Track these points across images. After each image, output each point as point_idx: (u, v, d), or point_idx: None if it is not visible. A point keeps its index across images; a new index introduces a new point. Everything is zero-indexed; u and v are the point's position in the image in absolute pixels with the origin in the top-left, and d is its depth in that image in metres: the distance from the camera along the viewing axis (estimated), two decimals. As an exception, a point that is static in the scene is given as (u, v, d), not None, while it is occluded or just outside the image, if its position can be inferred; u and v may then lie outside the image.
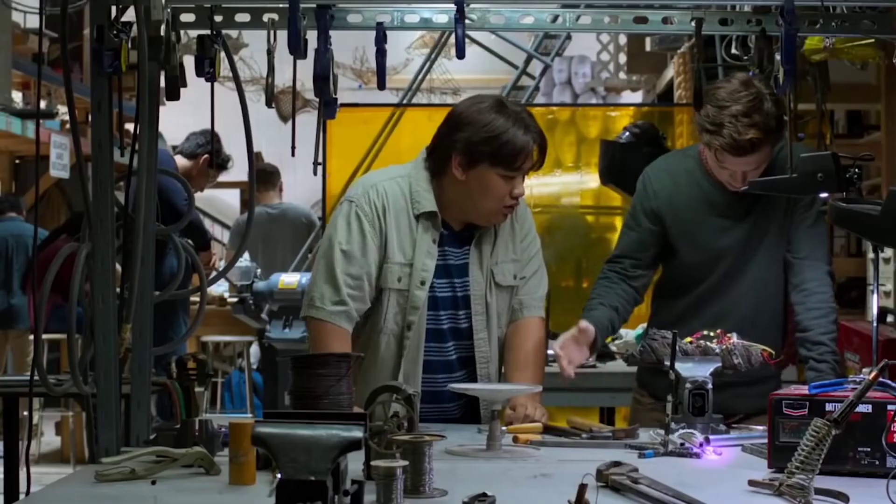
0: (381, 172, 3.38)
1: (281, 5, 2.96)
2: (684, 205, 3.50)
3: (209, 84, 3.01)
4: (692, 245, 3.50)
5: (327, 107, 3.11)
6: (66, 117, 8.10)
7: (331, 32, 2.99)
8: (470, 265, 3.27)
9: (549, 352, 4.96)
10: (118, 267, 2.82)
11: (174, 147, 6.98)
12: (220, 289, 8.54)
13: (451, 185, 3.22)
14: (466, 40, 2.96)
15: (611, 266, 3.56)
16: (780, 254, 3.48)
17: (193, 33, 3.03)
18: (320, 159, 3.35)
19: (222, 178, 9.40)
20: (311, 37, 2.99)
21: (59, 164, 8.18)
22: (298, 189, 12.75)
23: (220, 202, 14.08)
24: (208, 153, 6.55)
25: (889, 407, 2.48)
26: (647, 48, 9.34)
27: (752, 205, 3.45)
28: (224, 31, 3.01)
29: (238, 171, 8.82)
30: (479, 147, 3.15)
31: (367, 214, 3.20)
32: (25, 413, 6.13)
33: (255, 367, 9.29)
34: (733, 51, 4.37)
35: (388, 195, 3.22)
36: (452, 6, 2.91)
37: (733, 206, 3.45)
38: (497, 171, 3.16)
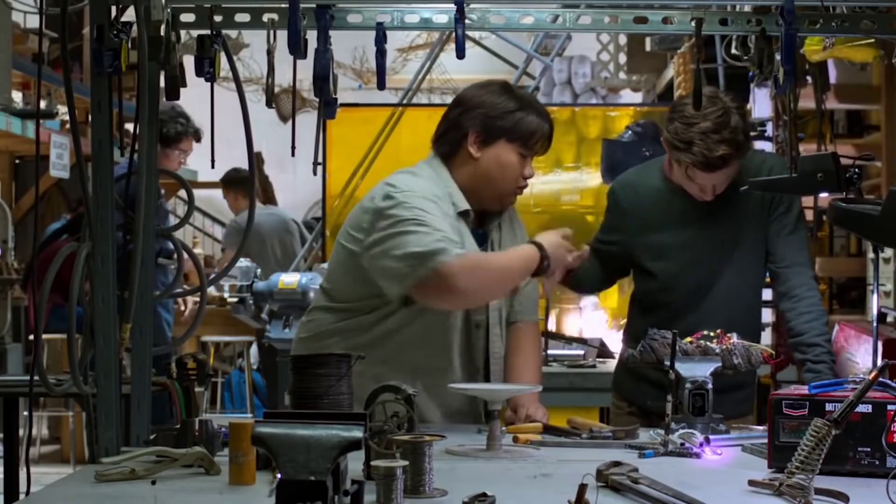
0: (410, 175, 3.22)
1: (281, 5, 2.96)
2: (650, 217, 3.53)
3: (209, 84, 3.01)
4: (660, 257, 3.53)
5: (327, 107, 3.11)
6: (66, 117, 8.09)
7: (331, 32, 2.99)
8: None
9: (549, 351, 4.98)
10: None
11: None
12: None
13: (465, 168, 3.21)
14: (466, 40, 2.96)
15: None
16: (754, 264, 3.49)
17: (194, 33, 3.03)
18: (320, 159, 3.34)
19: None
20: (311, 37, 2.99)
21: (59, 164, 8.16)
22: (298, 189, 12.75)
23: (220, 202, 14.07)
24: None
25: (889, 407, 2.48)
26: (647, 48, 9.34)
27: (719, 215, 3.46)
28: (224, 31, 3.01)
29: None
30: (497, 122, 3.17)
31: (437, 202, 3.11)
32: (26, 413, 6.13)
33: (255, 367, 9.29)
34: (733, 51, 4.37)
35: (436, 190, 3.15)
36: (452, 6, 2.91)
37: (700, 216, 3.47)
38: (513, 148, 3.18)
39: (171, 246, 5.81)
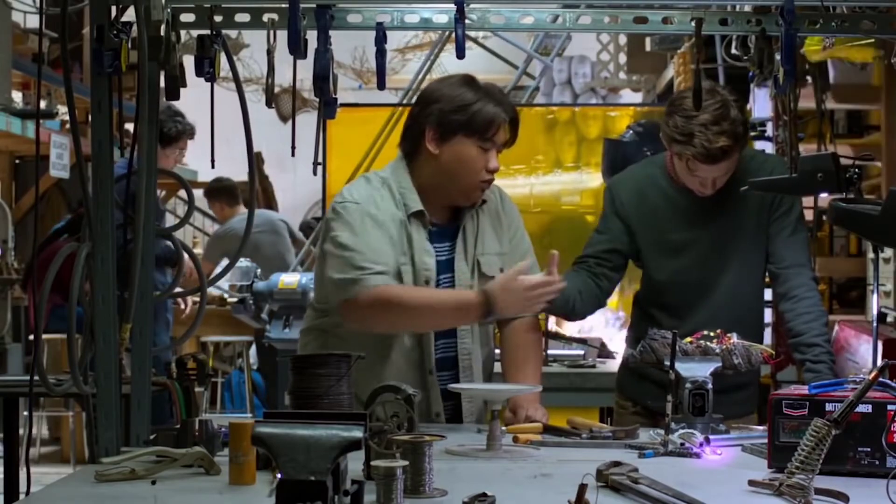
0: (364, 180, 3.28)
1: (281, 5, 2.96)
2: (650, 214, 3.52)
3: (209, 84, 3.01)
4: (663, 256, 3.52)
5: (327, 107, 3.12)
6: (66, 117, 8.09)
7: (331, 32, 3.00)
8: (455, 258, 3.26)
9: (549, 351, 4.98)
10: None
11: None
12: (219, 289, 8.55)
13: (427, 165, 3.21)
14: (466, 40, 2.96)
15: (577, 265, 3.54)
16: (755, 264, 3.49)
17: (194, 33, 3.03)
18: (320, 159, 3.35)
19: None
20: (311, 37, 2.99)
21: (59, 164, 8.16)
22: (298, 189, 12.76)
23: (219, 202, 14.05)
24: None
25: (889, 407, 2.48)
26: (647, 48, 9.33)
27: (720, 214, 3.46)
28: (224, 31, 3.01)
29: (238, 171, 8.85)
30: (452, 116, 3.16)
31: (375, 214, 3.16)
32: (26, 413, 6.13)
33: (254, 367, 9.30)
34: (733, 51, 4.38)
35: (384, 198, 3.19)
36: (452, 6, 2.91)
37: (700, 214, 3.47)
38: (472, 142, 3.17)
39: (170, 246, 5.84)
